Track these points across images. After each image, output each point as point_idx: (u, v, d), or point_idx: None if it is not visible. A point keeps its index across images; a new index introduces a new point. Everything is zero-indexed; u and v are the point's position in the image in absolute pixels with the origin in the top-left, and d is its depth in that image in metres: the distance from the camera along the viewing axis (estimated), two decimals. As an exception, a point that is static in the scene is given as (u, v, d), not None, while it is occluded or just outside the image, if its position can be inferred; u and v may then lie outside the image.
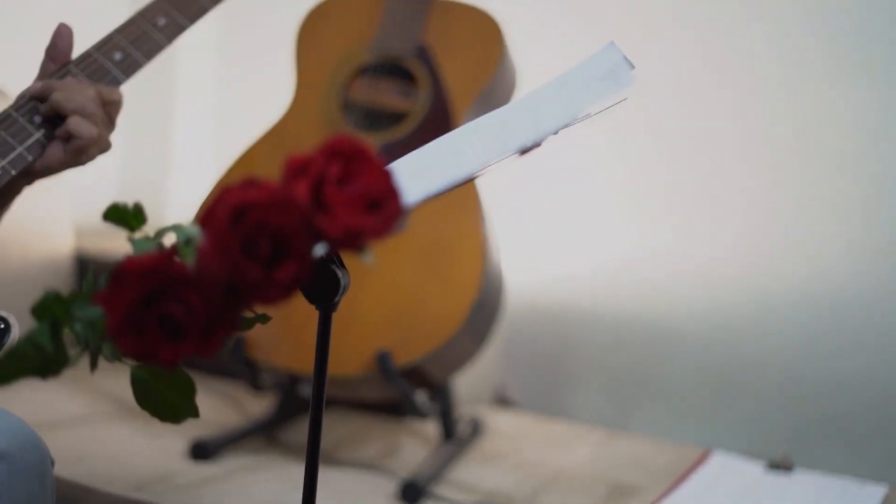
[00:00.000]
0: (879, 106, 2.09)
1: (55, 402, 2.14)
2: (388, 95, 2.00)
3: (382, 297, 1.90)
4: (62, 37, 1.34)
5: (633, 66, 0.91)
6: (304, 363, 1.93)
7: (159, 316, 0.81)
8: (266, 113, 2.14)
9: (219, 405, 2.17)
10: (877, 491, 1.80)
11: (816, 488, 1.82)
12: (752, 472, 1.89)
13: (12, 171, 1.26)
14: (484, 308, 1.92)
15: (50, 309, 0.89)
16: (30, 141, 1.29)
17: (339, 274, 1.08)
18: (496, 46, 1.98)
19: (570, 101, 0.91)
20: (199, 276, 0.82)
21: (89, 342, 0.92)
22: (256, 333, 1.92)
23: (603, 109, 0.92)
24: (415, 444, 2.06)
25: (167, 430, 2.03)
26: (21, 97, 1.32)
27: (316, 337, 1.12)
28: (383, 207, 0.81)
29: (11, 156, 1.27)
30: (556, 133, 0.89)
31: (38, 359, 0.89)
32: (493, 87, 1.98)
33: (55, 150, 1.31)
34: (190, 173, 2.69)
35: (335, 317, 1.81)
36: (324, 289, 1.08)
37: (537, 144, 0.88)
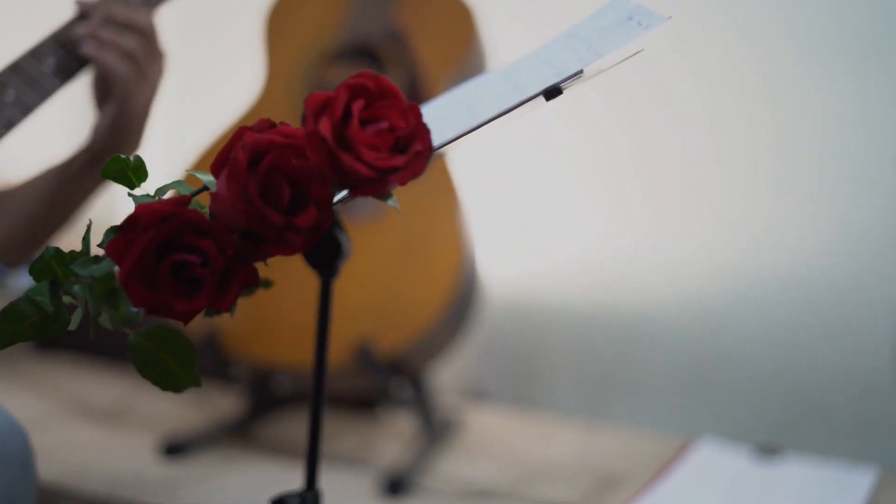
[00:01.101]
0: (856, 98, 2.08)
1: (13, 402, 2.06)
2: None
3: (361, 286, 1.86)
4: None
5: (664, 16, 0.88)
6: (279, 354, 1.89)
7: (173, 266, 0.77)
8: (227, 104, 2.09)
9: (189, 400, 2.10)
10: (866, 473, 1.79)
11: (806, 472, 1.81)
12: (739, 457, 1.87)
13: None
14: (462, 297, 1.89)
15: (49, 266, 0.84)
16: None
17: (341, 238, 1.04)
18: (468, 31, 1.95)
19: (587, 46, 0.88)
20: (216, 222, 0.78)
21: (88, 305, 0.87)
22: (227, 324, 1.88)
23: (620, 60, 0.89)
24: (391, 438, 2.01)
25: (134, 427, 1.97)
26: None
27: (317, 307, 1.08)
28: (411, 147, 0.77)
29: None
30: (576, 76, 0.86)
31: (38, 319, 0.84)
32: (466, 72, 1.95)
33: (101, 118, 1.24)
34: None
35: (312, 305, 1.77)
36: (325, 253, 1.04)
37: (560, 90, 0.84)
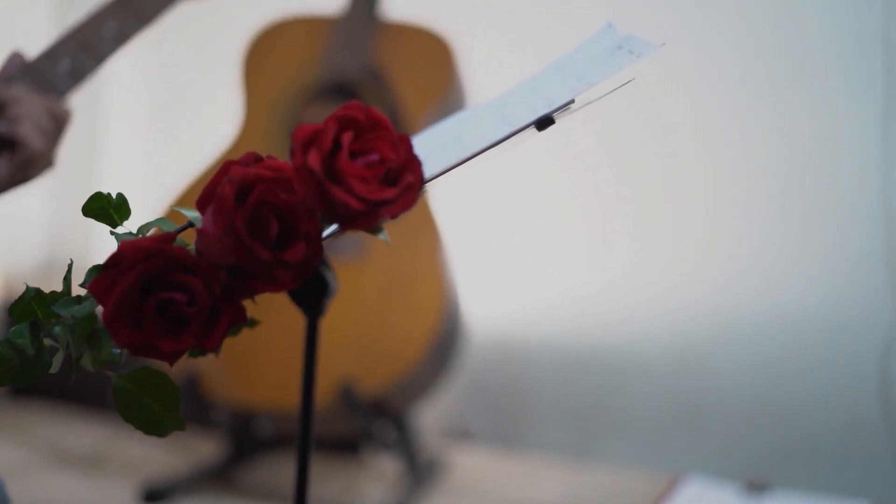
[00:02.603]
0: (841, 138, 2.09)
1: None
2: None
3: (343, 326, 1.84)
4: (14, 62, 1.27)
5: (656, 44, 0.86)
6: (260, 397, 1.86)
7: (158, 304, 0.74)
8: (203, 143, 2.07)
9: (169, 446, 2.06)
10: (857, 507, 1.78)
11: (796, 507, 1.79)
12: (728, 494, 1.85)
13: None
14: (446, 336, 1.87)
15: (29, 307, 0.81)
16: None
17: (328, 276, 1.02)
18: (447, 67, 1.94)
19: (577, 76, 0.86)
20: (202, 259, 0.75)
21: (70, 347, 0.85)
22: (207, 367, 1.85)
23: (610, 90, 0.88)
24: (375, 480, 1.98)
25: (114, 474, 1.94)
26: None
27: (304, 344, 1.05)
28: (403, 179, 0.75)
29: None
30: (567, 106, 0.84)
31: (18, 362, 0.81)
32: (446, 108, 1.94)
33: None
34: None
35: (294, 346, 1.75)
36: (312, 292, 1.02)
37: (551, 119, 0.82)
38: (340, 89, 1.97)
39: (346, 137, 0.75)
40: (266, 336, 1.74)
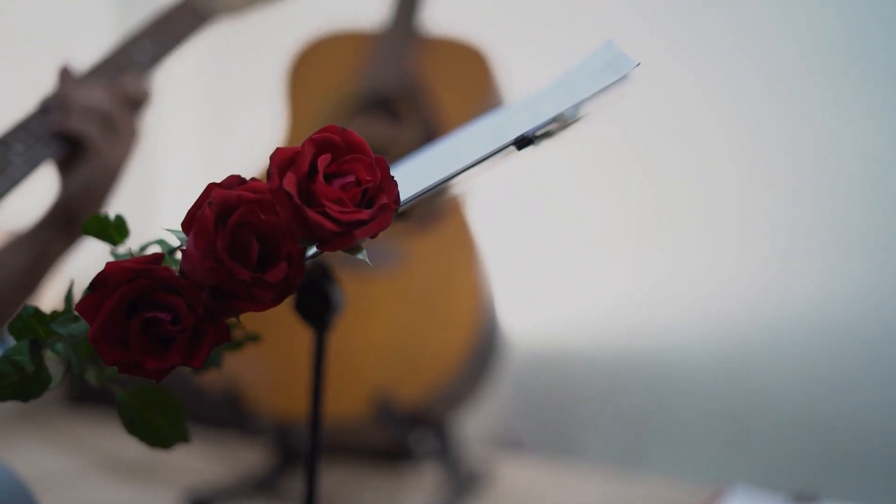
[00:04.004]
0: (883, 130, 2.06)
1: (42, 457, 2.08)
2: (379, 133, 1.98)
3: (380, 339, 1.86)
4: (64, 77, 1.30)
5: (634, 62, 0.87)
6: (300, 407, 1.88)
7: (143, 324, 0.77)
8: (254, 155, 2.11)
9: (215, 455, 2.10)
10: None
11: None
12: (771, 505, 1.83)
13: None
14: (482, 346, 1.88)
15: (29, 325, 0.84)
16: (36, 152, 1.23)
17: (331, 292, 1.04)
18: (485, 78, 1.96)
19: (564, 95, 0.87)
20: (186, 280, 0.78)
21: (72, 363, 0.88)
22: (248, 380, 1.88)
23: (600, 107, 0.88)
24: (416, 491, 2.00)
25: (159, 483, 1.98)
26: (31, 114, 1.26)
27: (312, 360, 1.08)
28: (377, 200, 0.77)
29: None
30: (551, 126, 0.85)
31: (17, 379, 0.84)
32: (485, 121, 1.96)
33: (74, 176, 1.26)
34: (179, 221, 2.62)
35: (331, 357, 1.77)
36: (315, 308, 1.04)
37: (530, 140, 0.83)
38: (381, 102, 2.00)
39: (323, 160, 0.76)
40: (305, 347, 1.76)
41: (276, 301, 0.78)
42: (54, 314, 0.84)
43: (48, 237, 1.28)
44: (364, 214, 0.76)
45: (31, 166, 1.24)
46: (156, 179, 2.74)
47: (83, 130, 1.24)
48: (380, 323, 1.86)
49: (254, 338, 0.98)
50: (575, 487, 2.08)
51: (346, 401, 1.82)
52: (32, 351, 0.84)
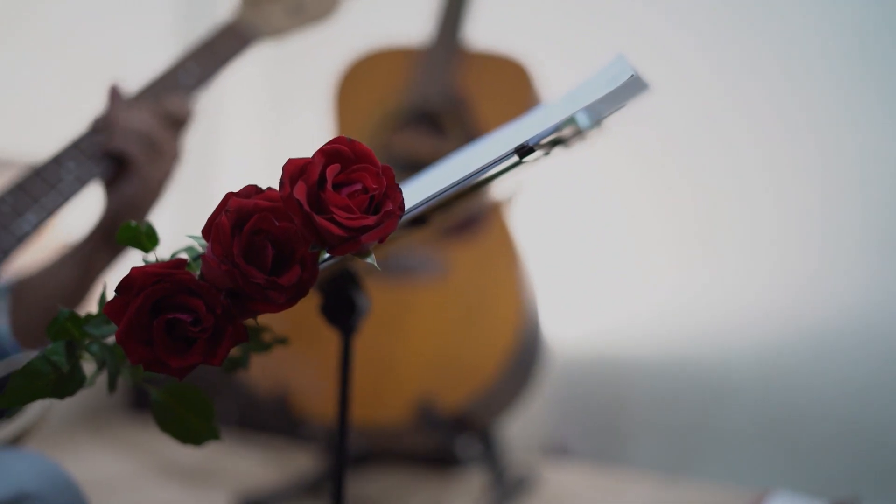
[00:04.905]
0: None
1: (103, 460, 2.15)
2: (423, 145, 2.02)
3: (423, 346, 1.90)
4: (113, 96, 1.36)
5: (642, 79, 0.90)
6: (351, 411, 1.93)
7: (166, 324, 0.82)
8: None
9: (264, 460, 2.16)
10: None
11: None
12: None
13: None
14: (524, 352, 1.91)
15: (65, 328, 0.89)
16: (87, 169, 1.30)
17: (356, 296, 1.08)
18: (526, 91, 1.99)
19: (568, 105, 0.91)
20: (205, 283, 0.82)
21: (107, 364, 0.93)
22: (296, 385, 1.93)
23: (621, 117, 0.92)
24: (462, 495, 2.03)
25: (212, 486, 2.04)
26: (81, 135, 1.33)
27: (339, 363, 1.12)
28: (383, 207, 0.81)
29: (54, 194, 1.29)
30: (563, 134, 0.89)
31: (54, 377, 0.89)
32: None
33: (118, 194, 1.33)
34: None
35: (376, 364, 1.82)
36: (341, 312, 1.09)
37: (531, 149, 0.87)
38: (426, 116, 2.04)
39: (332, 170, 0.81)
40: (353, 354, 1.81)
41: (290, 303, 0.83)
42: (88, 317, 0.90)
43: (93, 251, 1.35)
44: (370, 220, 0.80)
45: (81, 183, 1.31)
46: (217, 183, 2.82)
47: (127, 150, 1.31)
48: (423, 330, 1.90)
49: (282, 340, 1.03)
50: (620, 493, 2.10)
51: (390, 406, 1.87)
52: (68, 352, 0.89)
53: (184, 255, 0.92)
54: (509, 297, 1.91)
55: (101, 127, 1.32)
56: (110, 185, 1.34)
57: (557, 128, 0.89)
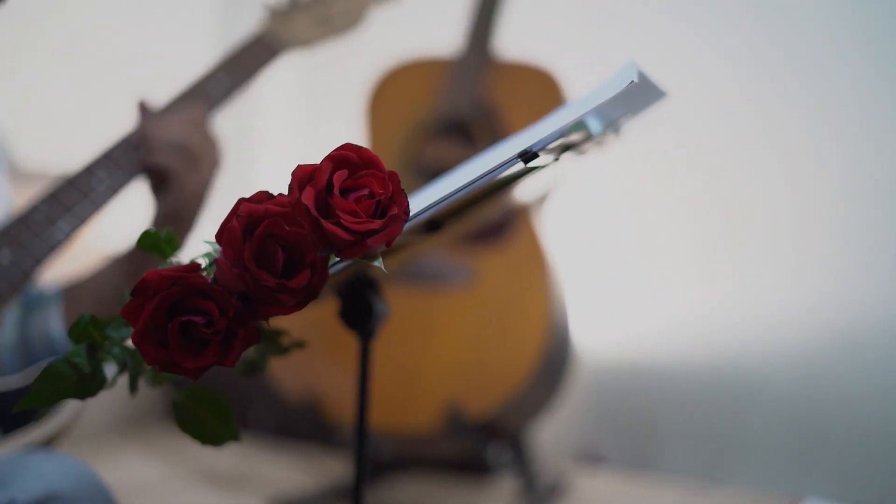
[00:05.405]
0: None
1: (138, 467, 2.19)
2: (454, 155, 2.05)
3: (452, 353, 1.92)
4: (143, 112, 1.40)
5: (656, 86, 0.92)
6: (380, 419, 1.95)
7: (181, 326, 0.84)
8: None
9: (299, 467, 2.19)
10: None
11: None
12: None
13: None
14: (552, 359, 1.93)
15: (86, 331, 0.92)
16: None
17: (374, 302, 1.11)
18: (555, 100, 2.01)
19: (574, 112, 0.93)
20: (218, 286, 0.85)
21: (128, 365, 0.96)
22: (330, 391, 1.96)
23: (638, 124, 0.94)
24: (493, 501, 2.05)
25: (247, 492, 2.07)
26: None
27: (358, 367, 1.14)
28: (389, 211, 0.83)
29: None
30: (573, 139, 0.91)
31: (76, 379, 0.92)
32: (556, 142, 2.01)
33: (162, 203, 1.36)
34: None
35: (405, 370, 1.84)
36: (359, 317, 1.11)
37: (535, 154, 0.89)
38: (456, 126, 2.07)
39: (339, 176, 0.83)
40: (383, 358, 1.84)
41: (300, 305, 0.85)
42: (109, 320, 0.92)
43: (141, 258, 1.39)
44: (376, 224, 0.82)
45: (112, 192, 1.35)
46: (256, 187, 2.86)
47: (165, 165, 1.34)
48: (452, 337, 1.92)
49: (299, 344, 1.05)
50: (651, 499, 2.10)
51: (419, 413, 1.89)
52: (90, 354, 0.92)
53: (201, 260, 0.95)
54: (538, 304, 1.92)
55: (136, 142, 1.36)
56: (156, 195, 1.38)
57: (562, 133, 0.91)
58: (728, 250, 2.28)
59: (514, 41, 2.16)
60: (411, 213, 0.89)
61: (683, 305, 2.32)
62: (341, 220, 0.82)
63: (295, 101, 2.91)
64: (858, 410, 2.14)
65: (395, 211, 0.84)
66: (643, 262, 2.37)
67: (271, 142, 2.96)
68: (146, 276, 0.85)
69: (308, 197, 0.82)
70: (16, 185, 1.47)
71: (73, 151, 1.47)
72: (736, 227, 2.27)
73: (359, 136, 2.19)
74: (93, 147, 1.36)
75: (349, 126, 2.27)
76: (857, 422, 2.14)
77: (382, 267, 0.87)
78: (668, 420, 2.33)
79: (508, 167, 0.90)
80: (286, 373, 2.01)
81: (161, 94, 1.43)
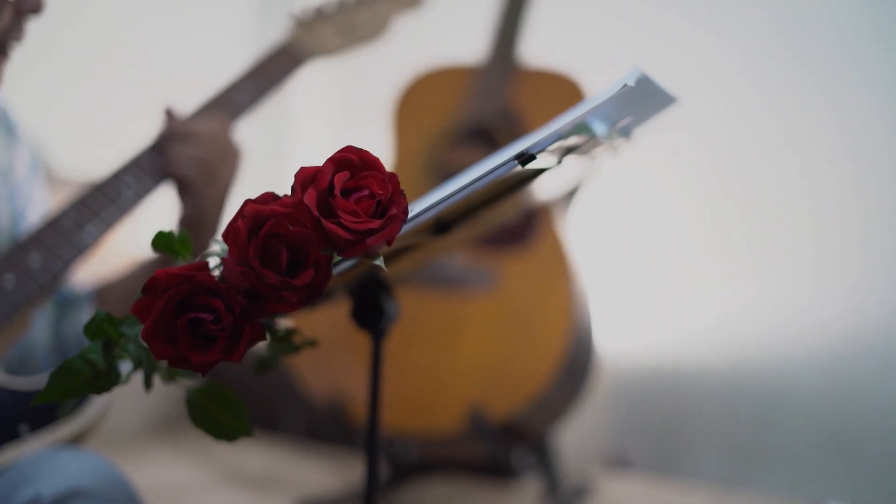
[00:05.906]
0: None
1: (169, 468, 2.23)
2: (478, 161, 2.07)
3: (474, 356, 1.94)
4: (170, 119, 1.44)
5: (665, 92, 0.94)
6: (403, 421, 1.97)
7: (190, 323, 0.87)
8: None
9: (326, 468, 2.22)
10: None
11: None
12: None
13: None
14: (574, 363, 1.94)
15: (102, 328, 0.95)
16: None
17: (385, 302, 1.13)
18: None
19: (571, 115, 0.95)
20: (224, 284, 0.88)
21: (143, 362, 0.99)
22: (355, 394, 1.99)
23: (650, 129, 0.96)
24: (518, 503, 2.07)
25: (275, 493, 2.10)
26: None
27: (370, 367, 1.17)
28: (389, 211, 0.86)
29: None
30: (578, 141, 0.93)
31: (91, 375, 0.95)
32: (580, 149, 2.03)
33: (185, 209, 1.40)
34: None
35: (428, 373, 1.87)
36: (370, 316, 1.14)
37: (532, 156, 0.91)
38: (481, 133, 2.09)
39: (341, 177, 0.86)
40: (407, 362, 1.87)
41: (304, 303, 0.88)
42: (125, 318, 0.96)
43: (169, 260, 1.43)
44: (375, 224, 0.85)
45: (139, 197, 1.40)
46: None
47: (183, 176, 1.39)
48: (475, 340, 1.95)
49: (311, 343, 1.07)
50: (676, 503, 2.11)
51: (442, 415, 1.91)
52: (105, 350, 0.96)
53: (211, 259, 0.98)
54: (561, 307, 1.94)
55: (159, 149, 1.40)
56: (181, 200, 1.42)
57: (559, 136, 0.93)
58: (752, 254, 2.29)
59: (538, 49, 2.18)
60: (414, 214, 0.92)
61: (708, 309, 2.32)
62: (342, 220, 0.84)
63: (327, 107, 2.96)
64: (884, 416, 2.13)
65: (394, 211, 0.86)
66: (667, 266, 2.38)
67: (304, 145, 3.01)
68: (156, 274, 0.88)
69: (310, 197, 0.85)
70: (52, 191, 1.51)
71: (104, 158, 1.51)
72: (759, 230, 2.27)
73: (387, 139, 2.22)
74: (124, 153, 1.40)
75: (379, 130, 2.31)
76: (882, 427, 2.13)
77: (383, 265, 0.89)
78: (693, 425, 2.34)
79: (506, 169, 0.92)
80: (313, 375, 2.04)
81: (192, 101, 1.46)
